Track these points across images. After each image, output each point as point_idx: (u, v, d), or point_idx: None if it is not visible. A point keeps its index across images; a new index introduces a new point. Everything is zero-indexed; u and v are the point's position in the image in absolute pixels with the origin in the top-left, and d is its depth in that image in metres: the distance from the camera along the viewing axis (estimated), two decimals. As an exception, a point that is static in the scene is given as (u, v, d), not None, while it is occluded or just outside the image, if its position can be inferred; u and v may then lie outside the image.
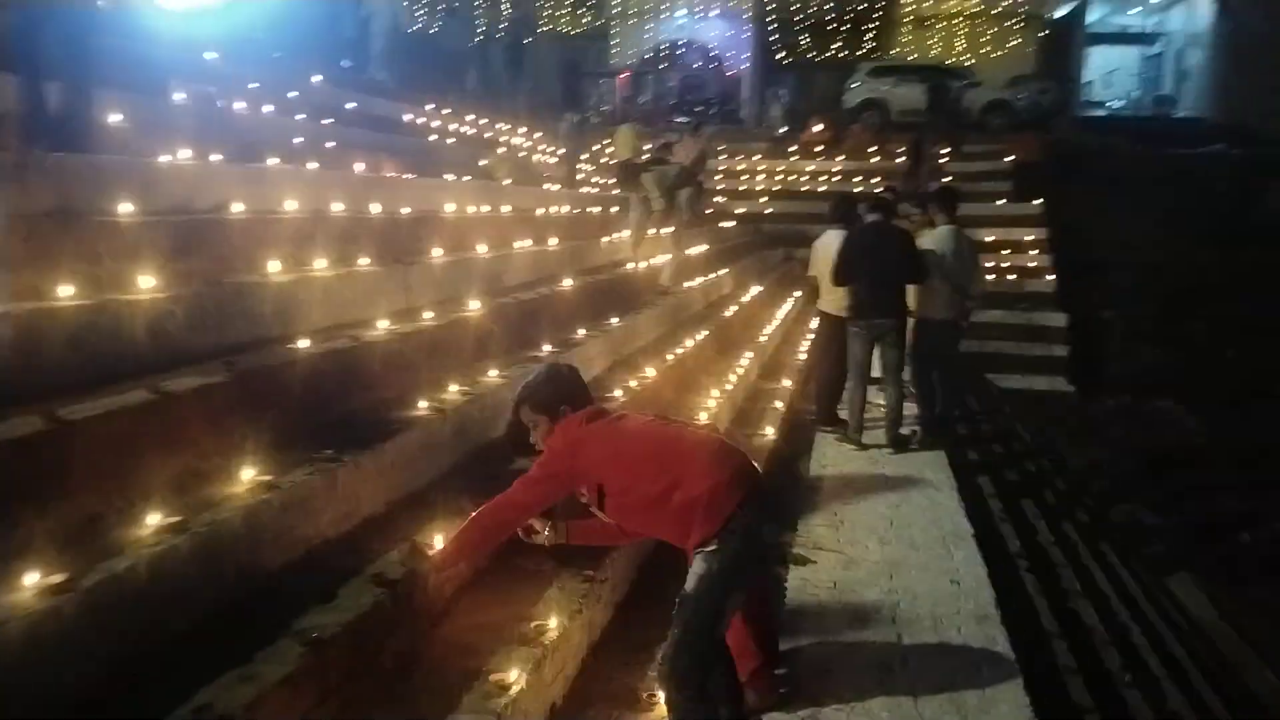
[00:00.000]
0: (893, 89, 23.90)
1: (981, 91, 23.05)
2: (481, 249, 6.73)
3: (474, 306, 5.46)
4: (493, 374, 4.93)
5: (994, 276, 15.95)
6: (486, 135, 14.69)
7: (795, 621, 4.06)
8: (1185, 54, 29.05)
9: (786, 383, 8.17)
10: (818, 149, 21.94)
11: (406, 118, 12.77)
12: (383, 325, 4.65)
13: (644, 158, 9.21)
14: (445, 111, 14.26)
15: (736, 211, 18.49)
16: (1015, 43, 28.81)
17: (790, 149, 22.40)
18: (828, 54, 29.64)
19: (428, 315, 5.10)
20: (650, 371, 6.35)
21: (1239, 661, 7.22)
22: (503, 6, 27.86)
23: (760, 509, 3.15)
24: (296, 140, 7.61)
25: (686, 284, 9.26)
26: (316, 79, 11.26)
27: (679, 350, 7.20)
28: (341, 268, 4.96)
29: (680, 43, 30.38)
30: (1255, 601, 8.39)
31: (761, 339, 9.19)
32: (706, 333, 8.15)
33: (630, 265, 8.68)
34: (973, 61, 26.04)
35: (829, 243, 7.26)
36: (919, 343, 7.20)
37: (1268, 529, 9.99)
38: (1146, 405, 15.31)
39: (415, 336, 4.69)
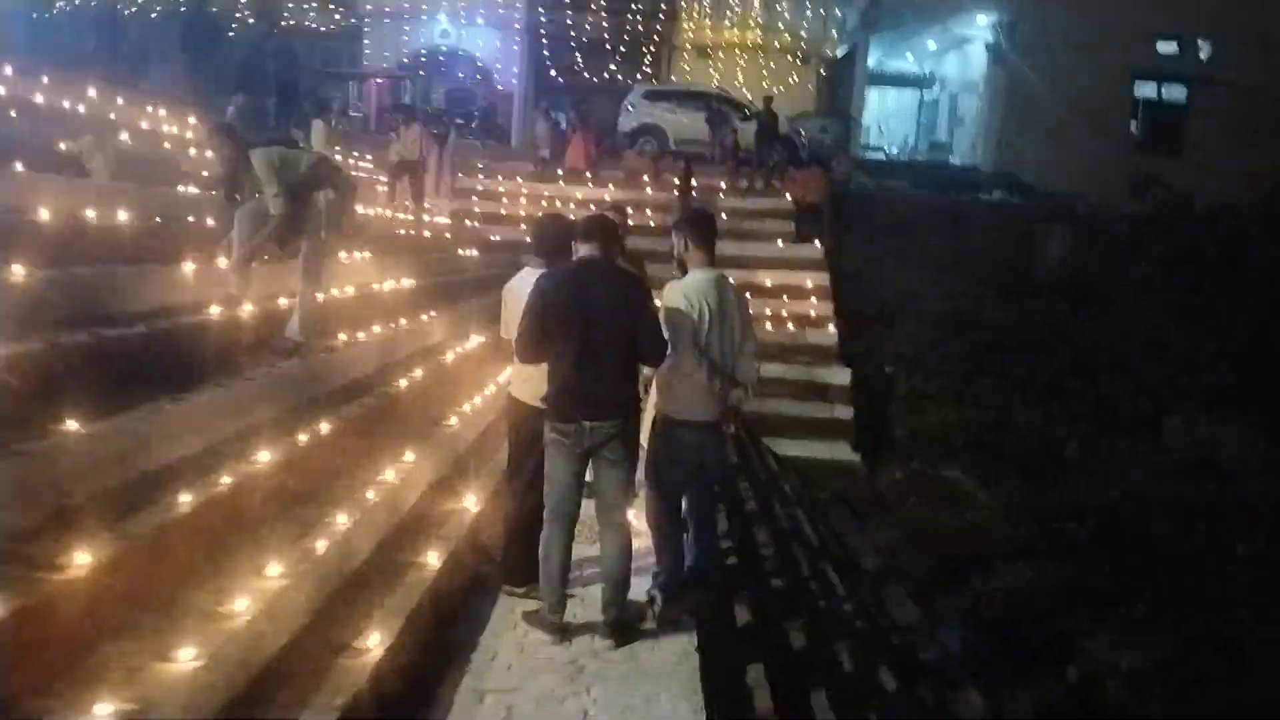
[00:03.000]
0: (671, 114, 21.99)
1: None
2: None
3: None
4: None
5: (772, 327, 14.13)
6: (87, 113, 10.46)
7: None
8: (959, 100, 28.90)
9: (469, 502, 5.40)
10: (586, 175, 19.52)
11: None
12: None
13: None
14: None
15: (493, 239, 15.82)
16: (794, 79, 27.86)
17: (557, 174, 19.91)
18: (603, 75, 27.59)
19: None
20: (184, 499, 3.43)
21: None
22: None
23: None
24: None
25: (342, 336, 6.35)
26: None
27: (263, 457, 4.27)
28: None
29: (445, 50, 27.52)
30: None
31: (450, 423, 6.37)
32: (356, 414, 5.34)
33: (237, 307, 5.64)
34: (750, 96, 24.56)
35: (524, 288, 4.56)
36: (659, 461, 4.68)
37: (1091, 658, 8.07)
38: (936, 474, 13.62)
39: None
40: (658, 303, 4.52)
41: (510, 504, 4.84)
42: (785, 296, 14.96)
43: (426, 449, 5.66)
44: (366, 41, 27.37)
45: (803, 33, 28.00)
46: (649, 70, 28.05)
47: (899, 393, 15.00)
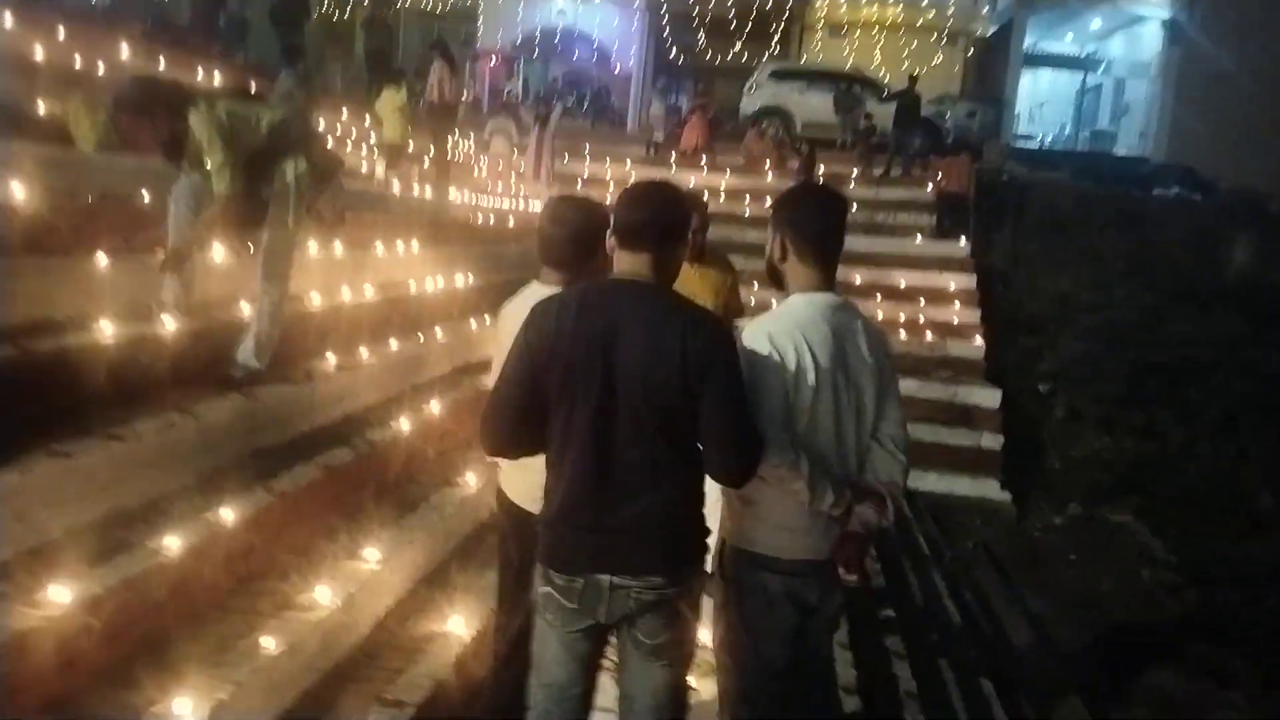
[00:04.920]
0: (798, 95, 20.01)
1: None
2: None
3: None
4: None
5: (906, 336, 12.14)
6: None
7: None
8: (1126, 86, 25.92)
9: (458, 625, 3.69)
10: (702, 160, 17.81)
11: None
12: None
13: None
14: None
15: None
16: (939, 59, 25.47)
17: (670, 158, 18.26)
18: (728, 56, 25.75)
19: None
20: None
21: None
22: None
23: None
24: None
25: (331, 358, 4.75)
26: None
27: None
28: None
29: (561, 30, 26.18)
30: None
31: (456, 488, 4.68)
32: (312, 478, 3.73)
33: (161, 321, 4.07)
34: (888, 78, 22.36)
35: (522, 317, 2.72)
36: (735, 637, 2.76)
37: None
38: (1101, 521, 11.39)
39: None
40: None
41: (493, 667, 3.09)
42: (923, 300, 12.93)
43: (403, 538, 3.97)
44: (481, 20, 26.24)
45: (949, 9, 25.55)
46: (777, 51, 26.02)
47: (1055, 417, 12.87)
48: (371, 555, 3.61)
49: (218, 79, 9.47)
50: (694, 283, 4.21)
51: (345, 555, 3.60)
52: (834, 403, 2.62)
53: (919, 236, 14.40)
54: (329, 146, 4.99)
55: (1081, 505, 11.42)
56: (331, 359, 4.89)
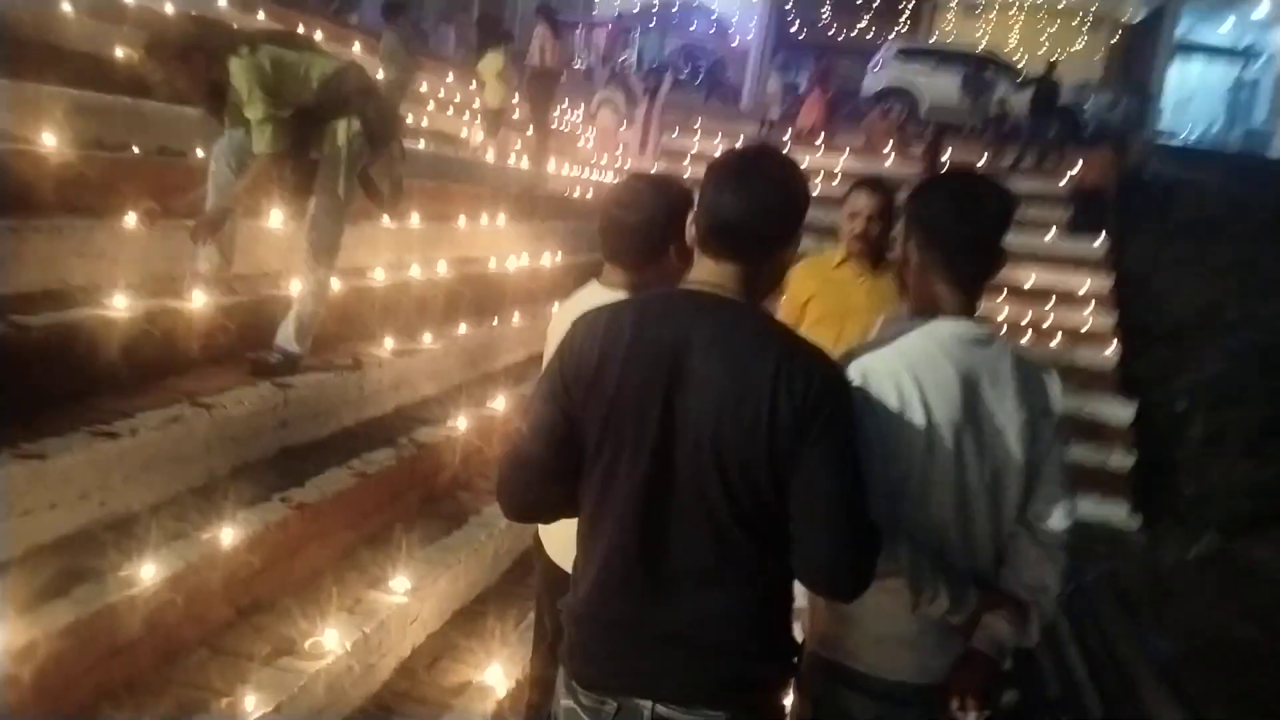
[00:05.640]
0: (926, 76, 18.90)
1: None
2: None
3: None
4: None
5: (1033, 338, 11.21)
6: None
7: None
8: (1288, 81, 23.84)
9: (495, 675, 3.13)
10: (819, 140, 17.01)
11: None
12: None
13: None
14: None
15: (698, 207, 13.64)
16: (1081, 44, 23.87)
17: (784, 137, 17.45)
18: (853, 33, 24.63)
19: None
20: None
21: None
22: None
23: None
24: None
25: (389, 344, 4.25)
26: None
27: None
28: None
29: (679, 1, 25.45)
30: None
31: (497, 518, 4.11)
32: (344, 486, 3.26)
33: (194, 295, 3.60)
34: (1024, 62, 20.97)
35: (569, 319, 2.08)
36: None
37: None
38: (1240, 554, 10.33)
39: None
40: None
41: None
42: (1054, 300, 11.90)
43: (441, 560, 3.41)
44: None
45: (1094, -9, 23.95)
46: (906, 28, 24.77)
47: (1191, 438, 11.75)
48: (399, 585, 3.06)
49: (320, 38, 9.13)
50: (858, 296, 3.45)
51: (369, 583, 3.06)
52: (957, 472, 1.92)
53: (1051, 232, 13.29)
54: (394, 108, 4.42)
55: (1219, 538, 10.38)
56: (389, 344, 4.38)
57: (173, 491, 2.89)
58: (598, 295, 2.15)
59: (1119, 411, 10.53)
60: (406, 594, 3.07)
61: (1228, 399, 11.98)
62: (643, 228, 2.25)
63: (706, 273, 1.77)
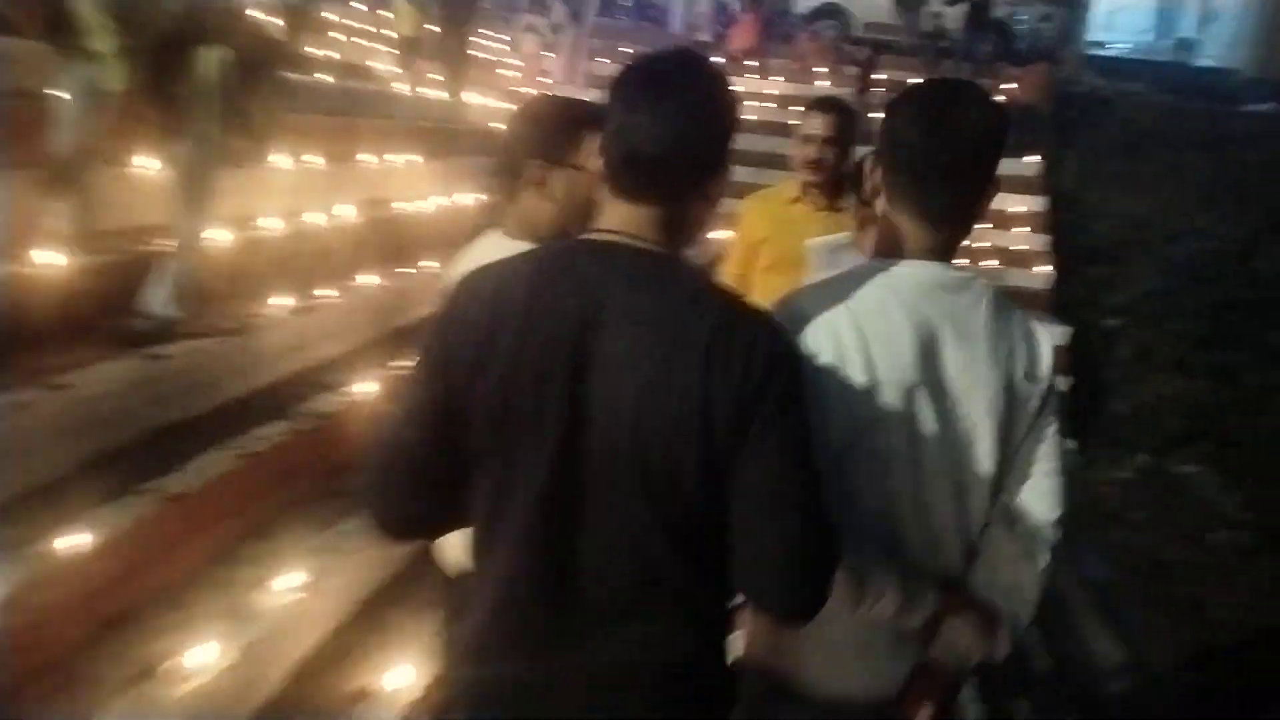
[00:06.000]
0: (858, -7, 18.58)
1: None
2: None
3: None
4: None
5: (967, 260, 11.12)
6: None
7: None
8: (1215, -10, 24.02)
9: (403, 677, 2.88)
10: (748, 64, 16.66)
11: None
12: None
13: None
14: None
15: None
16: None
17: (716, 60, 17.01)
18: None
19: None
20: None
21: None
22: None
23: None
24: None
25: (288, 301, 3.89)
26: None
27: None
28: None
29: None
30: None
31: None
32: (223, 469, 3.00)
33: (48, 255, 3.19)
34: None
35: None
36: None
37: None
38: (1170, 472, 10.53)
39: None
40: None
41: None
42: (988, 225, 11.80)
43: (339, 548, 3.12)
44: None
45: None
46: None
47: (1121, 357, 11.92)
48: (288, 581, 2.77)
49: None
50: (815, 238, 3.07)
51: (255, 581, 2.77)
52: (910, 447, 1.63)
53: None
54: (268, 31, 3.98)
55: (1150, 456, 10.54)
56: (284, 301, 4.02)
57: (15, 491, 2.55)
58: (502, 247, 1.79)
59: (1053, 334, 10.50)
60: (300, 589, 2.79)
61: (1159, 316, 12.16)
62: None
63: (618, 218, 1.44)
